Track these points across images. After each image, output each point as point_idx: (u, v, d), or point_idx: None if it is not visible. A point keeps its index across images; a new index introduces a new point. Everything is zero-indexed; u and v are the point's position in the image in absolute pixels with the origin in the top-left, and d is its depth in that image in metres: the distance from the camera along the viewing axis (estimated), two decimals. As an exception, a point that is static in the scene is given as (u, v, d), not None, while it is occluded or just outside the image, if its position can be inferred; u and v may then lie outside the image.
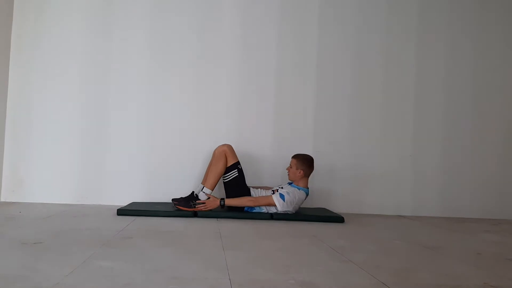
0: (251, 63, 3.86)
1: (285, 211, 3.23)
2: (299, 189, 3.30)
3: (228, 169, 3.32)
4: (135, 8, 3.80)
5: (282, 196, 3.22)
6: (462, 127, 3.95)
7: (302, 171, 3.32)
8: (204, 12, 3.84)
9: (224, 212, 3.26)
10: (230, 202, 3.26)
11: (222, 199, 3.25)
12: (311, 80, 3.89)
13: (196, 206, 3.21)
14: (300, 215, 3.29)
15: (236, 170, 3.33)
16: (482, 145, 3.95)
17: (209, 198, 3.28)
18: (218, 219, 3.13)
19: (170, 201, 3.36)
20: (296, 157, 3.39)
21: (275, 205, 3.21)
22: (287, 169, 3.44)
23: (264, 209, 3.28)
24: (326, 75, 3.89)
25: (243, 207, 3.27)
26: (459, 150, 3.94)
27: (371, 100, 3.92)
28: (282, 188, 3.35)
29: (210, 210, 3.21)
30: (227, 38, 3.85)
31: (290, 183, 3.42)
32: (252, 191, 3.37)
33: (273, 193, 3.31)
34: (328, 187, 3.83)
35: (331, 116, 3.88)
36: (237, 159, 3.37)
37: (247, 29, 3.87)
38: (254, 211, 3.28)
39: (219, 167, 3.30)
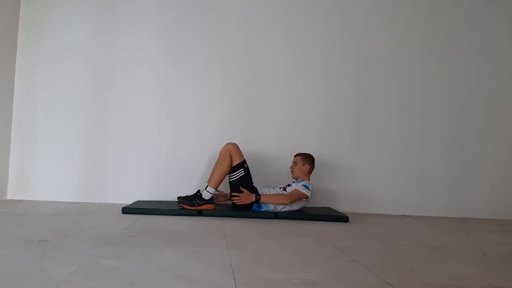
0: (257, 63, 3.86)
1: (303, 205, 3.33)
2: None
3: (234, 168, 3.31)
4: (140, 8, 3.81)
5: (306, 186, 3.31)
6: (469, 127, 3.93)
7: (308, 166, 3.42)
8: (210, 11, 3.85)
9: (229, 211, 3.27)
10: (266, 199, 3.27)
11: (258, 194, 3.26)
12: (316, 79, 3.88)
13: (231, 198, 3.27)
14: (305, 214, 3.29)
15: (243, 169, 3.31)
16: (489, 145, 3.92)
17: (215, 194, 3.30)
18: (223, 218, 3.13)
19: (176, 199, 3.36)
20: (300, 154, 3.48)
21: (306, 197, 3.28)
22: (290, 168, 3.45)
23: (271, 207, 3.29)
24: (331, 74, 3.89)
25: (251, 206, 3.27)
26: (465, 150, 3.92)
27: (377, 100, 3.90)
28: (290, 186, 3.38)
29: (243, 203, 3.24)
30: (233, 38, 3.85)
31: (294, 181, 3.44)
32: (259, 191, 3.36)
33: (284, 190, 3.35)
34: (333, 187, 3.83)
35: (337, 116, 3.88)
36: (243, 158, 3.36)
37: (253, 28, 3.87)
38: (261, 210, 3.29)
39: (224, 166, 3.29)
